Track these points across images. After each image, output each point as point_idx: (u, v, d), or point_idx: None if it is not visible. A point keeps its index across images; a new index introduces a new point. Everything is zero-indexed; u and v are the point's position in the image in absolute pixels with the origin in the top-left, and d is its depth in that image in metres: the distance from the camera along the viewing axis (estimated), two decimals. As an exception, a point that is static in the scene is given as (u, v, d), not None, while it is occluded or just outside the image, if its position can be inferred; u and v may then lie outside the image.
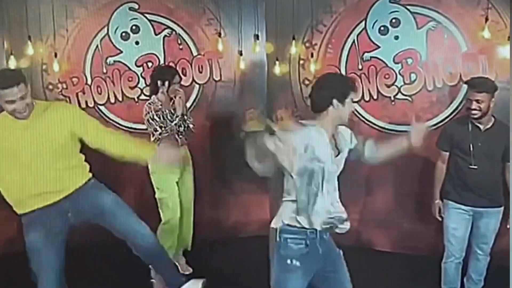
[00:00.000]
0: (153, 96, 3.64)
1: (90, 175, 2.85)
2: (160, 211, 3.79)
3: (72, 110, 2.83)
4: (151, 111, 3.58)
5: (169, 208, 3.75)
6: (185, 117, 3.71)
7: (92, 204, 2.78)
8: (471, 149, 3.11)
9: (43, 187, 2.66)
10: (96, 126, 2.81)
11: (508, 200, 3.16)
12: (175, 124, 3.61)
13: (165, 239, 3.64)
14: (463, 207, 3.21)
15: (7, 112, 2.57)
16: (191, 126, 3.75)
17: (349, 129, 2.54)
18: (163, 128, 3.58)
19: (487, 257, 3.34)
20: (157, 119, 3.57)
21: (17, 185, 2.66)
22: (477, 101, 3.06)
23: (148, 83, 3.94)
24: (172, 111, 3.64)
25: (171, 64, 4.36)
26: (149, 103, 3.64)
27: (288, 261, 2.31)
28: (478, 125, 3.15)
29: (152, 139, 3.63)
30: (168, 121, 3.59)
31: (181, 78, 3.81)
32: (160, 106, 3.59)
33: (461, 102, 3.94)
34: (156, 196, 3.77)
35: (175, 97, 3.67)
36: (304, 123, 2.38)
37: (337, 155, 2.39)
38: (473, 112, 3.08)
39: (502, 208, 3.25)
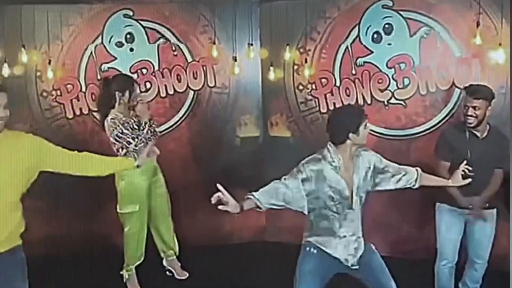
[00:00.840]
0: (113, 110, 3.48)
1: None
2: (123, 222, 3.69)
3: (35, 141, 2.43)
4: (118, 126, 3.39)
5: (136, 221, 3.65)
6: (151, 122, 3.60)
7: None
8: (469, 156, 3.05)
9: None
10: (63, 152, 2.50)
11: (500, 202, 3.19)
12: (146, 132, 3.47)
13: (132, 247, 3.66)
14: (456, 209, 3.21)
15: None
16: (157, 130, 3.67)
17: (373, 152, 2.71)
18: (136, 139, 3.41)
19: (485, 265, 3.31)
20: (127, 132, 3.39)
21: None
22: (474, 107, 3.07)
23: (102, 96, 3.63)
24: (136, 120, 3.48)
25: (165, 70, 4.38)
26: (112, 119, 3.43)
27: (307, 249, 2.65)
28: (476, 132, 3.15)
29: (122, 153, 3.39)
30: (138, 130, 3.44)
31: (138, 85, 3.77)
32: (124, 118, 3.44)
33: (454, 107, 3.97)
34: (121, 210, 3.63)
35: (135, 105, 3.56)
36: (317, 156, 2.60)
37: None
38: (469, 118, 3.08)
39: (495, 210, 3.25)
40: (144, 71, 4.43)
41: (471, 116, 3.07)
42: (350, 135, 2.51)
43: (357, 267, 2.62)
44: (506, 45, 3.72)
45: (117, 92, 3.49)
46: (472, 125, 3.09)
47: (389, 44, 4.11)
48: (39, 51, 4.32)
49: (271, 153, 4.58)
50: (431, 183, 2.80)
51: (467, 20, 3.86)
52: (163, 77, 4.45)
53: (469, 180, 2.77)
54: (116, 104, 3.48)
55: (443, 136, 3.33)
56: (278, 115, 4.49)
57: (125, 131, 3.40)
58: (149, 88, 4.44)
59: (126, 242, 3.69)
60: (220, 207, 2.40)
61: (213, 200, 2.41)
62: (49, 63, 4.28)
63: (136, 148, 3.38)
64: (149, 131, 3.51)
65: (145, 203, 3.67)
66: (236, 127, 4.60)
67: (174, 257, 3.96)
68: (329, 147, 2.56)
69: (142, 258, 3.76)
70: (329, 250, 2.61)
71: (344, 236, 2.61)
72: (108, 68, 4.39)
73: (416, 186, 2.73)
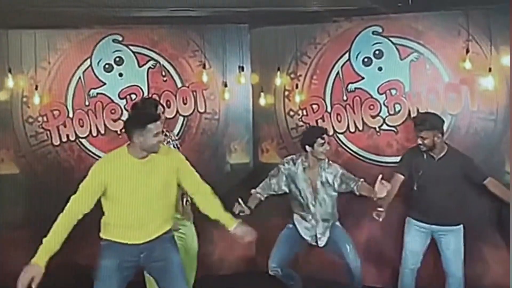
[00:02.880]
0: None
1: (169, 226, 2.99)
2: None
3: (177, 154, 3.05)
4: None
5: None
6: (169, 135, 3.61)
7: (163, 257, 2.90)
8: (425, 176, 3.45)
9: (136, 224, 2.82)
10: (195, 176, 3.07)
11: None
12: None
13: None
14: (419, 223, 3.53)
15: None
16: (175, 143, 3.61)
17: (340, 169, 3.66)
18: None
19: (458, 283, 3.48)
20: None
21: (119, 213, 2.81)
22: (421, 137, 3.40)
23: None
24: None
25: (155, 96, 4.33)
26: None
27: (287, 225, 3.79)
28: (432, 154, 3.46)
29: None
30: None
31: (164, 110, 3.68)
32: None
33: (445, 132, 3.95)
34: None
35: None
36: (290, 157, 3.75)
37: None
38: (420, 146, 3.44)
39: (460, 227, 3.47)
40: (133, 96, 4.37)
41: (420, 144, 3.43)
42: (307, 147, 3.56)
43: (321, 245, 3.67)
44: (495, 71, 3.75)
45: None
46: (424, 150, 3.45)
47: (380, 68, 4.12)
48: (26, 75, 4.25)
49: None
50: (365, 192, 3.47)
51: (456, 47, 3.89)
52: (152, 102, 4.39)
53: (384, 193, 3.27)
54: None
55: (406, 153, 3.70)
56: (269, 141, 4.45)
57: None
58: (138, 114, 4.37)
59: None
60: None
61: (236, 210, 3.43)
62: (36, 88, 4.22)
63: None
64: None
65: None
66: (227, 154, 4.54)
67: None
68: (305, 152, 3.60)
69: None
70: (300, 229, 3.70)
71: (311, 220, 3.65)
72: (97, 93, 4.32)
73: (357, 192, 3.55)
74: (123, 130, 2.90)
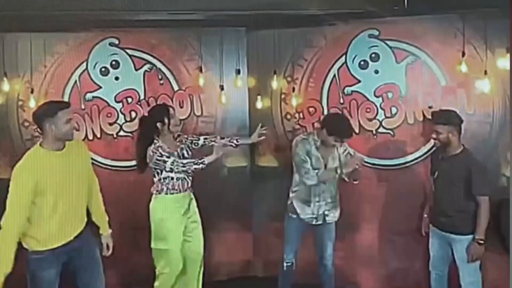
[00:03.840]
0: (155, 141, 3.59)
1: (84, 223, 3.05)
2: (154, 262, 3.67)
3: (87, 149, 3.19)
4: (163, 151, 3.55)
5: (167, 261, 3.61)
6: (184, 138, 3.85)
7: (88, 249, 3.00)
8: (436, 175, 3.48)
9: (67, 225, 2.87)
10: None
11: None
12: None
13: None
14: (436, 230, 3.53)
15: None
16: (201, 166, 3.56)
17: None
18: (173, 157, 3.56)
19: None
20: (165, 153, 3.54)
21: (47, 212, 2.80)
22: (436, 132, 3.39)
23: (143, 129, 3.68)
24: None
25: (151, 98, 4.33)
26: (159, 146, 3.57)
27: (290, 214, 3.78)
28: (446, 152, 3.45)
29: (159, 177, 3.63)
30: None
31: (173, 109, 3.77)
32: (167, 148, 3.60)
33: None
34: (152, 246, 3.65)
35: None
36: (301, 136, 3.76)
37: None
38: (434, 141, 3.48)
39: (470, 237, 3.32)
40: (130, 100, 4.36)
41: (434, 139, 3.45)
42: (325, 130, 3.58)
43: (330, 221, 3.74)
44: (491, 74, 3.76)
45: (158, 123, 3.59)
46: (436, 146, 3.50)
47: (376, 71, 4.13)
48: (21, 79, 4.23)
49: (259, 183, 4.51)
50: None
51: (452, 50, 3.90)
52: (148, 106, 4.37)
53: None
54: (160, 134, 3.62)
55: (430, 155, 3.78)
56: (266, 144, 4.44)
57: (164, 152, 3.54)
58: (135, 118, 4.35)
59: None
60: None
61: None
62: (32, 92, 4.19)
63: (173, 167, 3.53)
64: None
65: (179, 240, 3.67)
66: (223, 157, 4.52)
67: None
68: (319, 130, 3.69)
69: None
70: (303, 216, 3.72)
71: (317, 202, 3.70)
72: (93, 97, 4.31)
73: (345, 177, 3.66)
74: (34, 124, 2.92)
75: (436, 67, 3.98)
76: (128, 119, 4.35)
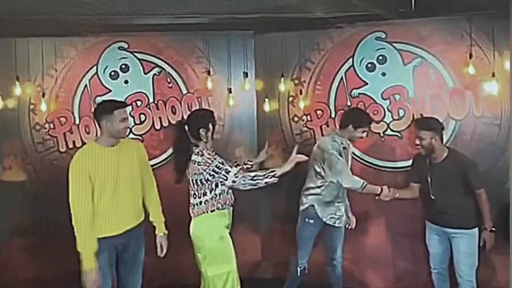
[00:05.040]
0: (197, 148, 3.09)
1: (141, 219, 3.13)
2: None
3: (142, 146, 3.28)
4: (215, 158, 3.03)
5: (232, 284, 3.11)
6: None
7: (134, 246, 3.07)
8: (429, 181, 3.45)
9: (117, 218, 2.95)
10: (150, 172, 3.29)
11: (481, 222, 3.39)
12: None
13: None
14: (434, 226, 3.54)
15: None
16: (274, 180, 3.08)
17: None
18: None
19: (468, 284, 3.41)
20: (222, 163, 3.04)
21: (100, 204, 2.89)
22: (419, 138, 3.40)
23: (181, 138, 3.18)
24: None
25: (160, 102, 4.38)
26: (205, 153, 3.03)
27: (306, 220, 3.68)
28: (433, 159, 3.45)
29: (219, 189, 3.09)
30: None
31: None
32: (215, 156, 3.09)
33: (449, 138, 3.96)
34: (211, 273, 3.09)
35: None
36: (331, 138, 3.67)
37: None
38: (417, 147, 3.46)
39: (474, 230, 3.38)
40: (139, 103, 4.41)
41: (417, 145, 3.44)
42: (351, 127, 3.60)
43: (339, 225, 3.69)
44: (498, 76, 3.76)
45: (201, 129, 3.12)
46: (421, 153, 3.45)
47: (383, 74, 4.14)
48: (33, 83, 4.31)
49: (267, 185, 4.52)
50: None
51: (460, 52, 3.90)
52: (157, 109, 4.43)
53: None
54: (203, 141, 3.12)
55: (412, 161, 3.70)
56: (273, 147, 4.46)
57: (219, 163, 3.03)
58: (144, 121, 4.41)
59: None
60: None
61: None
62: (43, 95, 4.27)
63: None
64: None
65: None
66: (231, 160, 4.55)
67: None
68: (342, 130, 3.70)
69: None
70: (323, 218, 3.65)
71: (340, 202, 3.69)
72: (110, 99, 4.36)
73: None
74: (94, 119, 3.05)
75: (443, 69, 3.98)
76: (137, 122, 4.40)
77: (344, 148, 3.59)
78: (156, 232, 3.22)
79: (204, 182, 3.05)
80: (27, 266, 4.28)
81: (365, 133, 3.64)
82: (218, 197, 3.08)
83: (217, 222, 3.11)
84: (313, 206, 3.64)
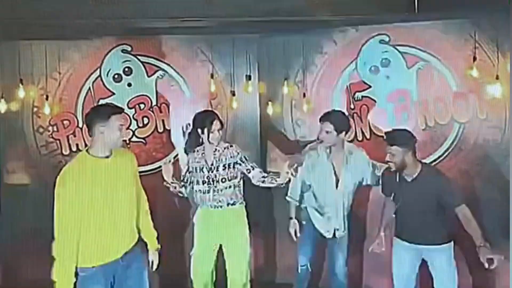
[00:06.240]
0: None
1: (137, 236, 2.84)
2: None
3: (134, 157, 2.92)
4: (239, 152, 3.51)
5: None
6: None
7: (137, 268, 2.77)
8: (400, 198, 3.21)
9: (116, 240, 2.64)
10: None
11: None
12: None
13: None
14: (406, 243, 3.27)
15: None
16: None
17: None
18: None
19: None
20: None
21: (95, 225, 2.57)
22: (390, 154, 3.16)
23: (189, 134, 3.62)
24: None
25: (163, 105, 4.38)
26: (230, 146, 3.53)
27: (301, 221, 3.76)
28: (404, 175, 3.20)
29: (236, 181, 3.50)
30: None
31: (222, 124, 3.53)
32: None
33: (453, 142, 3.95)
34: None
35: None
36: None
37: None
38: (389, 163, 3.19)
39: (450, 244, 3.20)
40: (142, 106, 4.41)
41: (388, 161, 3.18)
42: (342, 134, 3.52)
43: (338, 236, 3.60)
44: (503, 79, 3.75)
45: (199, 129, 3.49)
46: (392, 169, 3.19)
47: (387, 77, 4.13)
48: (36, 86, 4.32)
49: (271, 188, 4.51)
50: None
51: (463, 55, 3.90)
52: (160, 112, 4.43)
53: None
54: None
55: (382, 176, 3.46)
56: (276, 150, 4.45)
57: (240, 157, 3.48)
58: (147, 124, 4.41)
59: None
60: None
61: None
62: (47, 98, 4.27)
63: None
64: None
65: None
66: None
67: None
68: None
69: None
70: (317, 225, 3.69)
71: (328, 213, 3.61)
72: (106, 102, 4.36)
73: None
74: (85, 124, 2.72)
75: (447, 72, 3.98)
76: (140, 125, 4.40)
77: (328, 156, 3.54)
78: (149, 248, 2.98)
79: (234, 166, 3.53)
80: (30, 269, 4.27)
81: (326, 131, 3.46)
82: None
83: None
84: (306, 207, 3.71)
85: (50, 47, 4.31)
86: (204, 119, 3.45)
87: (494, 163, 3.81)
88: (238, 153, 3.48)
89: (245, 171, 3.47)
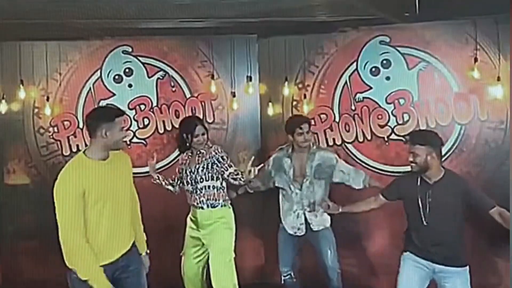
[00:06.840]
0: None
1: (134, 237, 2.87)
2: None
3: (129, 158, 2.93)
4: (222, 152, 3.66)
5: None
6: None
7: (135, 269, 2.79)
8: (420, 204, 3.02)
9: (114, 242, 2.66)
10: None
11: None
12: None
13: None
14: (421, 260, 3.07)
15: None
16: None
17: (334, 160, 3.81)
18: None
19: None
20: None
21: (94, 226, 2.59)
22: (413, 153, 3.03)
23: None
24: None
25: (164, 105, 4.38)
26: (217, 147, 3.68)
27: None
28: (426, 179, 3.05)
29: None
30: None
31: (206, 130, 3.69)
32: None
33: (454, 143, 3.94)
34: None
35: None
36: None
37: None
38: (411, 164, 3.06)
39: (465, 268, 3.01)
40: (143, 107, 4.41)
41: (410, 161, 3.05)
42: (289, 136, 3.74)
43: (315, 229, 3.69)
44: (504, 80, 3.74)
45: (184, 134, 3.64)
46: (414, 170, 3.05)
47: (388, 78, 4.12)
48: (37, 87, 4.32)
49: (269, 189, 4.50)
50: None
51: (464, 56, 3.89)
52: (161, 113, 4.43)
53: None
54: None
55: (398, 178, 3.39)
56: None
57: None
58: (147, 124, 4.41)
59: None
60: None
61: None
62: (47, 99, 4.28)
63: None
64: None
65: None
66: (235, 164, 4.53)
67: None
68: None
69: None
70: (286, 227, 3.79)
71: (296, 211, 3.73)
72: (107, 104, 4.37)
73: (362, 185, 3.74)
74: (87, 126, 2.69)
75: (448, 73, 3.97)
76: (141, 126, 4.40)
77: (289, 156, 3.76)
78: (140, 252, 2.95)
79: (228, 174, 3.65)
80: (31, 269, 4.28)
81: (304, 135, 3.64)
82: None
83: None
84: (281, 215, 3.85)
85: (51, 48, 4.31)
86: (187, 125, 3.63)
87: (495, 164, 3.80)
88: (217, 153, 3.58)
89: (223, 170, 3.57)
